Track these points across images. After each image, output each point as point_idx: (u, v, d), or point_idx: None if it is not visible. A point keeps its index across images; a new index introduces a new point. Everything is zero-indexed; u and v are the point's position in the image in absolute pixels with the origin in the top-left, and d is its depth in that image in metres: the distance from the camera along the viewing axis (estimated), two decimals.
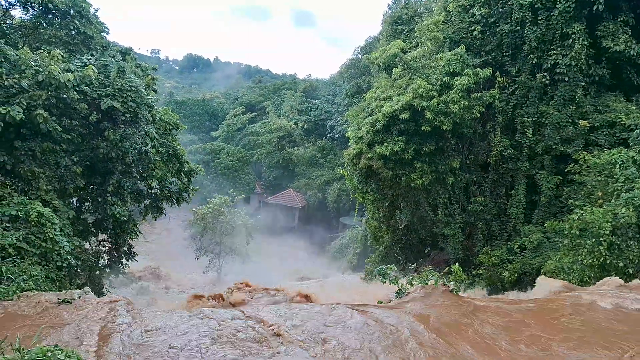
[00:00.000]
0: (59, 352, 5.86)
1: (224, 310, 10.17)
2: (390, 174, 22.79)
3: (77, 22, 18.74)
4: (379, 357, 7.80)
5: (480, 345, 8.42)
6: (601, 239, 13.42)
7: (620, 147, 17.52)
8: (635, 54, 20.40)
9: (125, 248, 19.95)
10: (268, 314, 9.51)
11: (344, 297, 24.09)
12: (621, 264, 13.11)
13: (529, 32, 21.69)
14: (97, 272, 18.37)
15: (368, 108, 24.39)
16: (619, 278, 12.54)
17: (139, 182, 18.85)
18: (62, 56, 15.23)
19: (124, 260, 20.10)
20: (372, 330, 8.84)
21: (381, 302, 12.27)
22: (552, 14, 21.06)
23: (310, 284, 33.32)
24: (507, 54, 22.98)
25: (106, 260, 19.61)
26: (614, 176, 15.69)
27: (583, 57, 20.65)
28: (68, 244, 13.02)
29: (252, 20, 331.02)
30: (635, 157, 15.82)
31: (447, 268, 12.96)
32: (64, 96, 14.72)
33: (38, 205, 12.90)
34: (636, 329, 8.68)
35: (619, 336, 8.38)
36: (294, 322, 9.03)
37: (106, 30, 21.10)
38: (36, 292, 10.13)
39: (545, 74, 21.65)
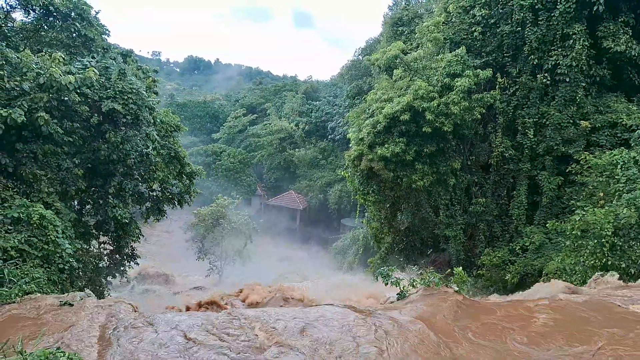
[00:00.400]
0: (61, 354, 5.85)
1: (214, 313, 10.26)
2: (391, 175, 22.80)
3: (78, 24, 18.75)
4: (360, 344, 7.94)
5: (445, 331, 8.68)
6: (603, 240, 13.39)
7: (622, 147, 17.51)
8: (636, 55, 20.39)
9: (127, 250, 19.96)
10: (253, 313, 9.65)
11: (344, 297, 24.05)
12: (623, 265, 13.07)
13: (529, 33, 21.70)
14: (99, 275, 18.38)
15: (369, 109, 24.41)
16: (620, 278, 12.54)
17: (140, 184, 18.86)
18: (63, 59, 15.22)
19: (126, 262, 20.11)
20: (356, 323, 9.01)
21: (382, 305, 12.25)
22: (552, 14, 21.07)
23: (310, 285, 33.31)
24: (507, 54, 22.99)
25: (107, 262, 19.62)
26: (616, 177, 15.67)
27: (584, 57, 20.66)
28: (70, 247, 13.02)
29: (252, 22, 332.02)
30: (637, 158, 15.79)
31: (448, 270, 12.95)
32: (65, 99, 14.73)
33: (40, 207, 12.90)
34: (611, 323, 8.69)
35: (590, 329, 8.43)
36: (280, 321, 9.11)
37: (107, 32, 21.09)
38: (38, 295, 10.14)
39: (546, 74, 21.66)
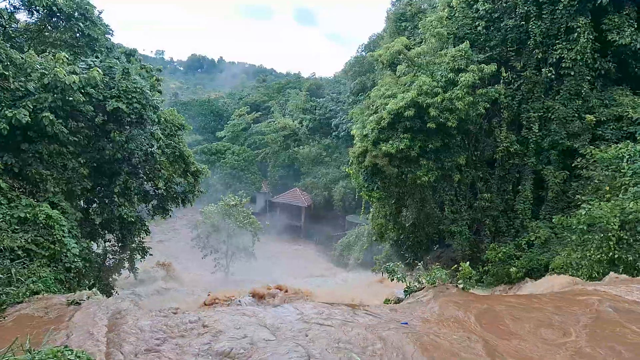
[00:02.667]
0: (69, 352, 5.89)
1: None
2: (396, 171, 22.72)
3: (81, 24, 18.80)
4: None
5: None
6: (609, 234, 13.32)
7: (628, 141, 17.38)
8: None
9: (134, 245, 20.12)
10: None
11: (349, 295, 24.10)
12: (630, 259, 13.00)
13: (533, 27, 21.54)
14: (105, 273, 18.51)
15: (373, 106, 24.30)
16: (626, 272, 12.50)
17: (145, 182, 18.95)
18: (67, 59, 15.28)
19: (137, 255, 20.30)
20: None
21: (388, 301, 12.26)
22: (556, 7, 20.91)
23: (315, 282, 33.39)
24: (512, 49, 22.82)
25: (112, 261, 19.76)
26: (621, 170, 15.58)
27: (588, 51, 20.50)
28: (76, 246, 13.11)
29: (255, 20, 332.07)
30: None
31: (454, 265, 12.93)
32: (70, 98, 14.79)
33: (46, 207, 12.99)
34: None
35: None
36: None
37: (110, 32, 21.14)
38: (46, 294, 10.22)
39: (551, 68, 21.49)
